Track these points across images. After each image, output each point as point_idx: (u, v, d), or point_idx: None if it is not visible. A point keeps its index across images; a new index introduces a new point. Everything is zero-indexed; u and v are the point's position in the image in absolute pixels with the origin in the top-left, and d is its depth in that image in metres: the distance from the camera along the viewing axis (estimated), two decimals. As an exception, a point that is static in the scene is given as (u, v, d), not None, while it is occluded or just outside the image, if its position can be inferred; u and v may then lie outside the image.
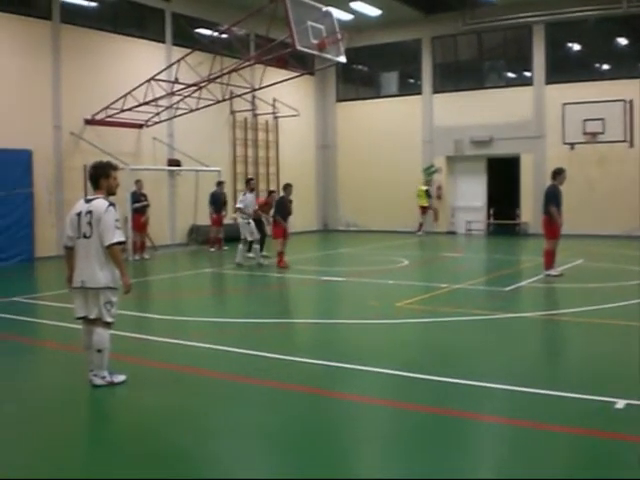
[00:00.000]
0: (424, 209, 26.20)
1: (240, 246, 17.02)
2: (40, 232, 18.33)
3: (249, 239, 17.08)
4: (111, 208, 6.57)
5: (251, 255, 18.27)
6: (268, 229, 17.84)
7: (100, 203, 6.59)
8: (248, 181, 18.44)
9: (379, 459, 5.12)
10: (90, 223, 6.54)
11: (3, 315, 10.45)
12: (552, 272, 13.74)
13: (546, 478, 4.64)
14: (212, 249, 20.59)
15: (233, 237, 21.73)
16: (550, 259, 13.80)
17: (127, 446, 5.38)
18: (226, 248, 20.25)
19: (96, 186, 6.78)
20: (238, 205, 17.47)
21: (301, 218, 26.58)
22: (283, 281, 14.87)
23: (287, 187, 17.01)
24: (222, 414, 6.01)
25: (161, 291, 13.97)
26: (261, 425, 5.69)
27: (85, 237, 6.57)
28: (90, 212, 6.56)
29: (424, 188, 26.27)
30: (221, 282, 15.28)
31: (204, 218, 21.82)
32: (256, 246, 17.07)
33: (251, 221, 17.08)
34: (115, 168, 6.95)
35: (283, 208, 16.55)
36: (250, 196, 17.52)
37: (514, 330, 9.52)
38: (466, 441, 5.37)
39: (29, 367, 7.90)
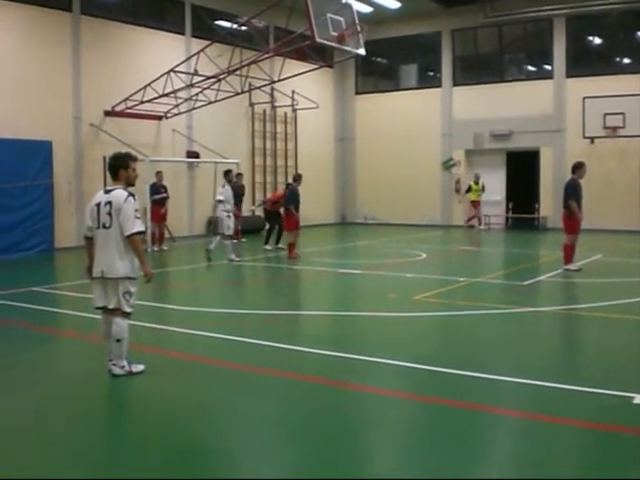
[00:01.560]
0: (474, 203, 26.08)
1: (217, 239, 15.92)
2: (60, 223, 18.45)
3: (226, 233, 15.79)
4: (130, 198, 6.60)
5: (269, 247, 18.31)
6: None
7: (119, 193, 6.62)
8: (227, 173, 16.63)
9: (396, 451, 5.12)
10: (110, 213, 6.57)
11: (23, 304, 10.55)
12: (571, 267, 13.67)
13: (563, 476, 4.62)
14: (235, 240, 20.59)
15: (250, 229, 21.90)
16: (569, 253, 13.73)
17: (144, 436, 5.42)
18: (244, 240, 20.30)
19: (115, 177, 6.80)
20: (220, 197, 15.88)
21: (319, 211, 26.65)
22: (300, 273, 14.88)
23: (298, 177, 16.99)
24: (239, 405, 6.02)
25: (179, 282, 14.03)
26: (278, 417, 5.71)
27: (104, 227, 6.61)
28: (109, 202, 6.59)
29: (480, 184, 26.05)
30: (238, 273, 15.30)
31: (222, 210, 21.86)
32: (227, 242, 15.87)
33: (231, 215, 15.98)
34: (134, 159, 6.97)
35: (296, 198, 16.54)
36: (229, 188, 16.15)
37: (532, 324, 9.47)
38: (484, 434, 5.36)
39: (48, 356, 7.99)
